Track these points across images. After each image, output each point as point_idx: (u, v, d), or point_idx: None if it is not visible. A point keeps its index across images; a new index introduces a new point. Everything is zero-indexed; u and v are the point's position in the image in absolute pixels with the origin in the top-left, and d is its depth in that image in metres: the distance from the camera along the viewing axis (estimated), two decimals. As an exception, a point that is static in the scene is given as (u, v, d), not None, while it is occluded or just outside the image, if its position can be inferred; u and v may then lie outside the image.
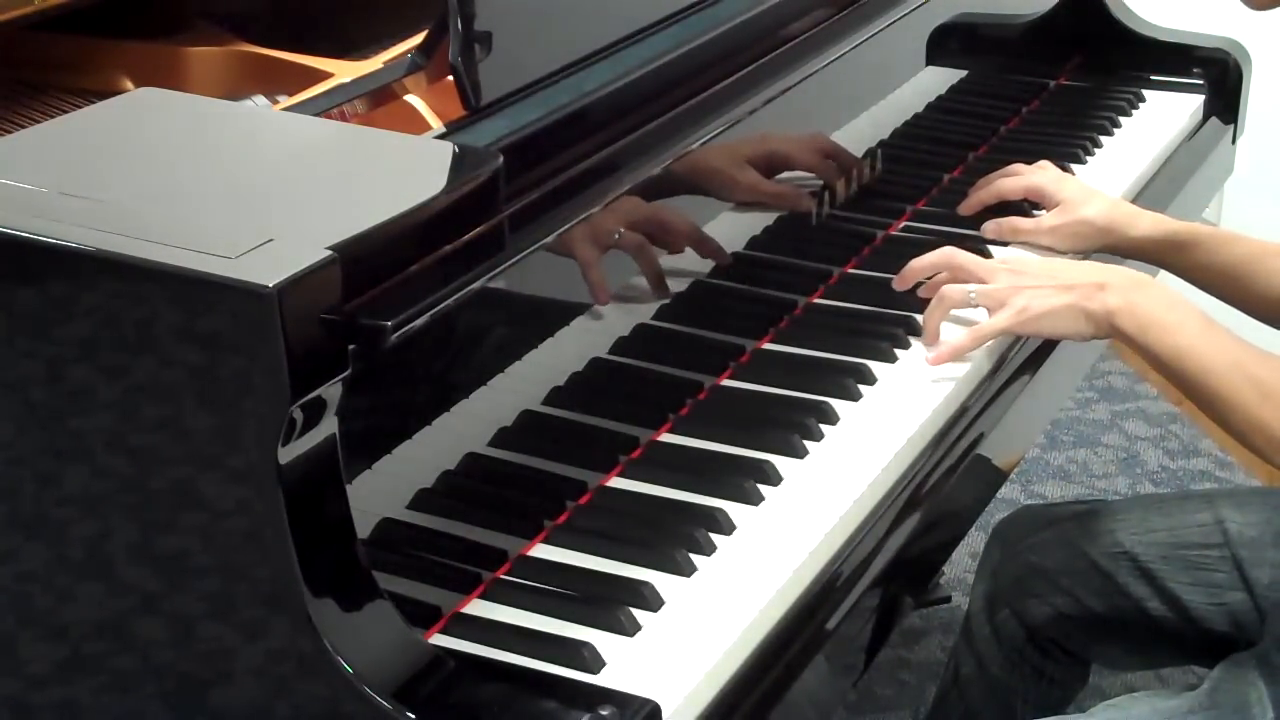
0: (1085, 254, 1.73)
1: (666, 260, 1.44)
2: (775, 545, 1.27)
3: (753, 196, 1.55)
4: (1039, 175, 1.78)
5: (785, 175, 1.61)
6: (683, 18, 1.49)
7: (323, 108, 1.33)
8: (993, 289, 1.50)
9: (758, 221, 1.58)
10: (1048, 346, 1.62)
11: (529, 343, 1.28)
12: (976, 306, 1.52)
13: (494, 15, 1.28)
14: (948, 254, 1.56)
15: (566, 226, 1.26)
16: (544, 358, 1.30)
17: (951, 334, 1.53)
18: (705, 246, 1.49)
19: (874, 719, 2.28)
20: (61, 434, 1.04)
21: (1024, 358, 1.60)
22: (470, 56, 1.25)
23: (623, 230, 1.36)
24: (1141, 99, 2.17)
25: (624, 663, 1.14)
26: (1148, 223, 1.71)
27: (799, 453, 1.39)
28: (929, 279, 1.58)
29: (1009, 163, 1.98)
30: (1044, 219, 1.74)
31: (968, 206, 1.79)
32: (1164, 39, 2.23)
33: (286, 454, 0.99)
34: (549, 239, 1.24)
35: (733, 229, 1.54)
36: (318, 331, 0.99)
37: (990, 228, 1.75)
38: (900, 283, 1.59)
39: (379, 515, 1.16)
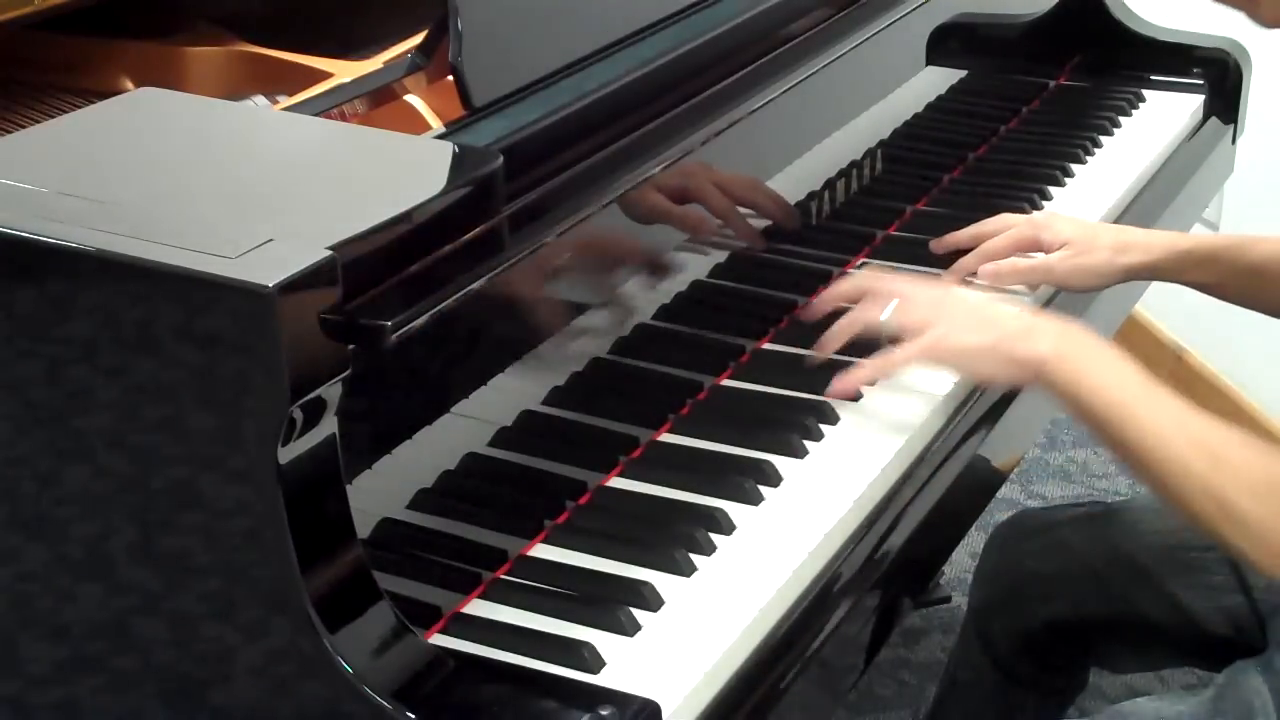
0: (1100, 289, 1.67)
1: (667, 259, 1.44)
2: (775, 545, 1.27)
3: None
4: (1022, 228, 1.67)
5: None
6: (683, 18, 1.49)
7: (323, 108, 1.33)
8: (908, 310, 1.38)
9: (758, 221, 1.57)
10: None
11: (529, 343, 1.28)
12: (889, 331, 1.39)
13: (494, 15, 1.28)
14: (862, 278, 1.45)
15: (567, 226, 1.26)
16: (544, 358, 1.30)
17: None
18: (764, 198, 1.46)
19: (874, 719, 2.28)
20: (61, 434, 1.04)
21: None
22: (470, 56, 1.25)
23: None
24: (1141, 99, 2.17)
25: (624, 663, 1.14)
26: (1161, 244, 1.65)
27: (799, 453, 1.39)
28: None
29: (1010, 162, 1.99)
30: (1051, 259, 1.63)
31: (955, 271, 1.66)
32: (1164, 39, 2.23)
33: (286, 454, 0.99)
34: (549, 239, 1.24)
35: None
36: (318, 331, 0.99)
37: (988, 271, 1.64)
38: (818, 348, 1.45)
39: (379, 515, 1.16)
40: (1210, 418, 1.29)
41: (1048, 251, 1.66)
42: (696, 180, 1.43)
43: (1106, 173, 1.97)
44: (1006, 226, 1.67)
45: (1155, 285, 1.93)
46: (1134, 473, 1.32)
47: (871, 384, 1.40)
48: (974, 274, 1.67)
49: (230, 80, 1.51)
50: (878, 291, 1.42)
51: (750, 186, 1.54)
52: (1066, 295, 1.68)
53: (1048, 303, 1.67)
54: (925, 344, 1.37)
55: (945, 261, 1.68)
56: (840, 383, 1.41)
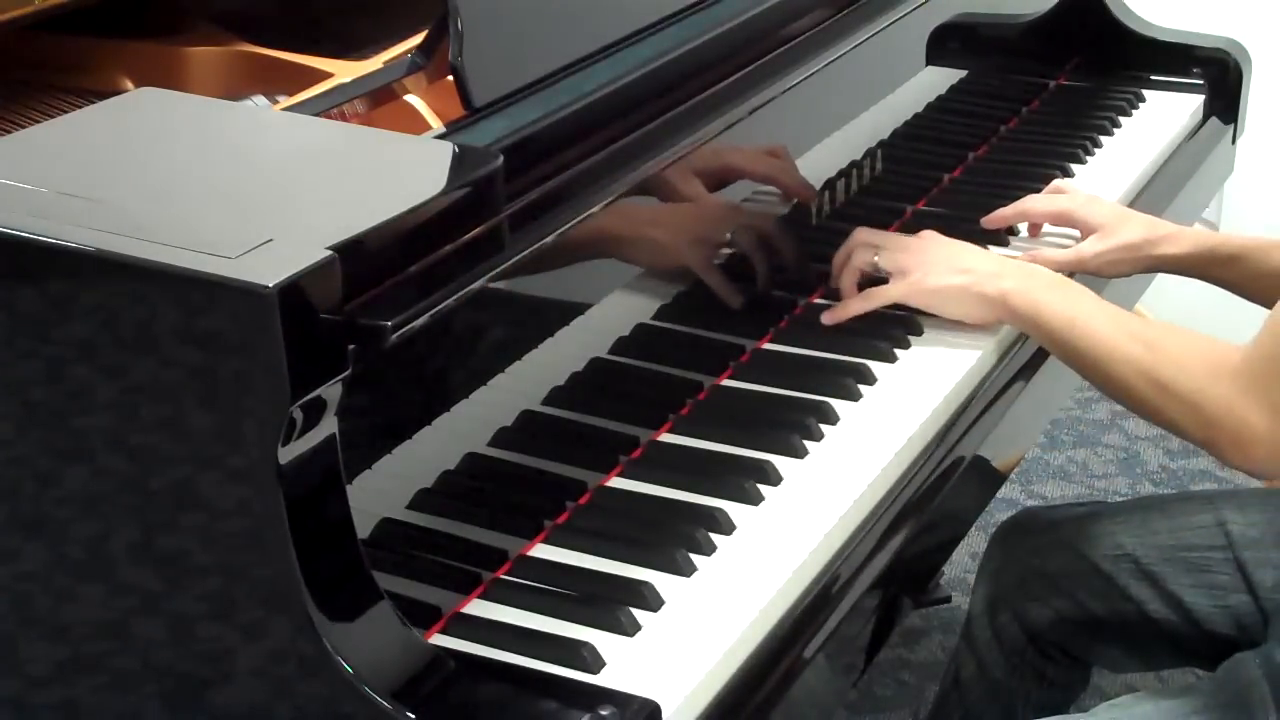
0: (1126, 276, 1.74)
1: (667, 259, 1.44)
2: (775, 545, 1.27)
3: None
4: (1065, 200, 1.76)
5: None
6: (683, 18, 1.49)
7: (323, 108, 1.33)
8: (895, 254, 1.56)
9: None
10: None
11: (529, 343, 1.29)
12: (880, 271, 1.57)
13: (494, 15, 1.28)
14: (857, 234, 1.60)
15: (566, 226, 1.26)
16: (544, 358, 1.30)
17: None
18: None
19: (874, 719, 2.28)
20: (62, 434, 1.04)
21: (1025, 358, 1.60)
22: (470, 56, 1.25)
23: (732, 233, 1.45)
24: (1141, 99, 2.17)
25: (624, 663, 1.14)
26: (1188, 240, 1.70)
27: (799, 453, 1.39)
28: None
29: (1010, 162, 1.99)
30: (1083, 247, 1.71)
31: (990, 221, 1.78)
32: (1164, 39, 2.23)
33: (286, 454, 0.99)
34: (549, 239, 1.24)
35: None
36: (318, 331, 0.99)
37: (1024, 258, 1.70)
38: (838, 307, 1.58)
39: (379, 515, 1.16)
40: (1152, 320, 1.40)
41: (1082, 231, 1.74)
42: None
43: (1106, 173, 1.97)
44: (1053, 192, 1.81)
45: (1155, 285, 1.94)
46: (1087, 377, 1.49)
47: (863, 311, 1.56)
48: (1010, 231, 1.80)
49: (230, 80, 1.51)
50: (869, 242, 1.60)
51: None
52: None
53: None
54: (906, 284, 1.55)
55: None
56: (832, 314, 1.57)
